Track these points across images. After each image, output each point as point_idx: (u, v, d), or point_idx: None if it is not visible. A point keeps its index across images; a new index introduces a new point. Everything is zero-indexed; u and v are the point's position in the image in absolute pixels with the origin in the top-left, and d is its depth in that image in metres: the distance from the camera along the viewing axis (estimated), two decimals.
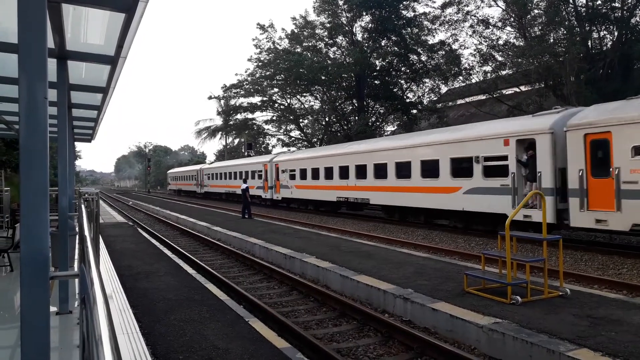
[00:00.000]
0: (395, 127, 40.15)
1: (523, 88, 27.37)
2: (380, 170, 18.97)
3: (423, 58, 36.26)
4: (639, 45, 21.43)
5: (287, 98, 42.49)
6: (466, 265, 9.38)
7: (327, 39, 38.74)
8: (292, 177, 26.77)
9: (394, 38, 35.89)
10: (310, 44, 39.09)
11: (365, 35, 37.63)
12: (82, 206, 7.00)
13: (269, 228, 16.65)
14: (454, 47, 32.11)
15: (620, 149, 10.46)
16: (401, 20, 35.36)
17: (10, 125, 9.91)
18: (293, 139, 44.40)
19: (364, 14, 35.98)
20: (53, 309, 4.90)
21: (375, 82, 38.27)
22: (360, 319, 6.85)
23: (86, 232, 4.32)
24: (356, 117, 37.97)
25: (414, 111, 36.57)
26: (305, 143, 42.88)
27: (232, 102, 47.93)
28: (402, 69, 37.88)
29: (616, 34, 23.48)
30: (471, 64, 30.01)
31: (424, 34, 35.38)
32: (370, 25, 36.67)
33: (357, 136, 31.83)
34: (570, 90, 22.06)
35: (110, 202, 43.29)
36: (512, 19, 26.82)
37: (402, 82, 38.59)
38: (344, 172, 21.73)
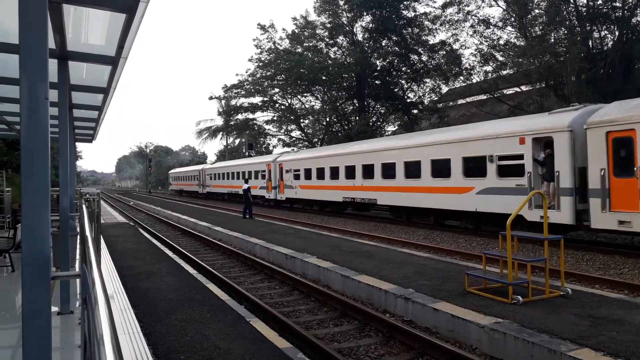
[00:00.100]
0: (396, 127, 40.16)
1: (524, 88, 27.36)
2: (389, 170, 18.57)
3: (424, 58, 36.25)
4: (639, 45, 21.42)
5: (288, 98, 42.50)
6: (467, 265, 9.38)
7: (327, 39, 38.74)
8: (297, 177, 26.52)
9: (394, 38, 35.88)
10: (310, 44, 39.08)
11: (365, 35, 37.63)
12: (83, 206, 7.01)
13: (270, 228, 16.66)
14: (454, 47, 32.13)
15: None
16: (402, 20, 35.35)
17: (12, 125, 9.92)
18: (294, 139, 44.43)
19: (365, 14, 35.95)
20: (54, 309, 4.90)
21: (376, 82, 38.26)
22: (361, 319, 6.85)
23: (87, 232, 4.33)
24: (357, 117, 37.97)
25: (415, 111, 36.54)
26: (306, 143, 42.88)
27: (233, 102, 48.00)
28: (403, 69, 37.87)
29: (617, 33, 23.45)
30: (472, 64, 30.03)
31: (424, 34, 35.37)
32: (370, 25, 36.67)
33: (357, 136, 31.83)
34: (571, 90, 22.04)
35: (112, 202, 43.32)
36: (512, 19, 26.80)
37: (403, 82, 38.58)
38: (350, 172, 21.35)
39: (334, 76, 36.43)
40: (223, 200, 40.39)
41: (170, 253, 11.77)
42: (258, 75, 40.13)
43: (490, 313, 5.95)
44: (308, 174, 25.23)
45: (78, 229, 7.11)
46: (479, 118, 26.06)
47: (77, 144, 18.37)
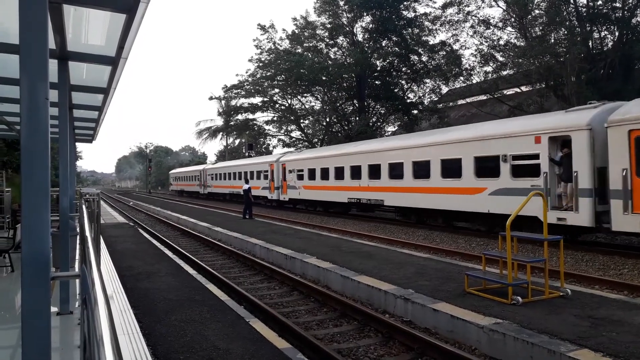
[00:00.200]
0: (396, 128, 40.19)
1: (524, 88, 27.37)
2: (396, 170, 18.13)
3: (424, 58, 36.27)
4: (639, 45, 21.43)
5: (288, 98, 42.50)
6: (467, 265, 9.38)
7: (327, 40, 38.76)
8: (300, 177, 26.13)
9: (394, 38, 35.90)
10: (311, 45, 39.10)
11: (365, 36, 37.66)
12: (83, 207, 7.01)
13: (269, 228, 16.66)
14: (454, 47, 32.11)
15: None
16: (402, 20, 35.37)
17: (12, 126, 9.92)
18: (294, 139, 44.42)
19: (365, 14, 35.98)
20: (54, 309, 4.90)
21: (376, 82, 38.28)
22: (361, 320, 6.85)
23: (87, 233, 4.33)
24: (357, 118, 37.98)
25: (415, 111, 36.55)
26: (306, 143, 42.89)
27: (233, 102, 47.96)
28: (403, 69, 37.89)
29: (617, 34, 23.46)
30: (472, 65, 30.02)
31: (424, 34, 35.39)
32: (370, 25, 36.69)
33: (357, 136, 31.81)
34: (571, 91, 22.04)
35: (111, 202, 43.32)
36: (512, 19, 26.80)
37: (403, 82, 38.60)
38: (355, 172, 20.83)
39: (334, 76, 36.44)
40: (223, 201, 40.40)
41: (170, 253, 11.78)
42: (258, 76, 40.15)
43: (489, 314, 5.96)
44: (312, 174, 24.84)
45: (78, 229, 7.11)
46: (479, 118, 26.06)
47: (77, 144, 18.38)
